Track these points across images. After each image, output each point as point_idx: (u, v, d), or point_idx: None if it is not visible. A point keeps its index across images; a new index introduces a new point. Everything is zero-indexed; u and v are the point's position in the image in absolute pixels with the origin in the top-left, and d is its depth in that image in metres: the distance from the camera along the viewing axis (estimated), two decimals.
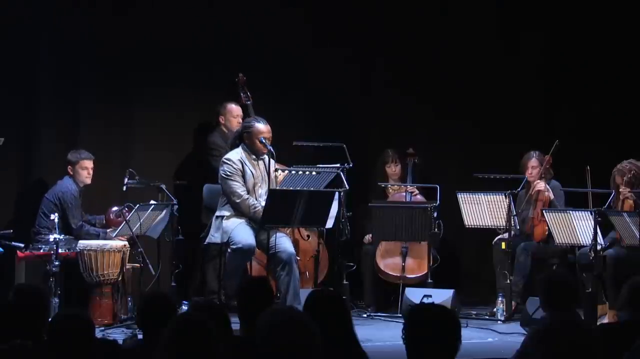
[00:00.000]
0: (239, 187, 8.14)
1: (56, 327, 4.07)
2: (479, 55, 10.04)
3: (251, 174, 8.21)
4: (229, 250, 8.07)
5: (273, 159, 8.27)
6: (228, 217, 8.17)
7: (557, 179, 9.09)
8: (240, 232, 8.07)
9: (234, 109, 9.15)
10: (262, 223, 7.91)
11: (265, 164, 8.24)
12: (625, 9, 9.96)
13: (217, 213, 8.29)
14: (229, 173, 8.16)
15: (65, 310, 5.23)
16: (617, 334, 4.50)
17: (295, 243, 8.72)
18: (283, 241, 8.07)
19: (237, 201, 8.11)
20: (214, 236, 8.23)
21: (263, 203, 8.10)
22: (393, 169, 9.51)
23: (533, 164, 8.98)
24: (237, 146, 8.29)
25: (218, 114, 9.20)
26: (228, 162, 8.19)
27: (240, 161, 8.19)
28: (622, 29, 9.97)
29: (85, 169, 8.52)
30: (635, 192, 8.51)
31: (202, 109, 9.53)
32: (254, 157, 8.24)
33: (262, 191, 8.24)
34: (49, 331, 4.08)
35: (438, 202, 8.82)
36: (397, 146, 9.57)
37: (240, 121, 9.08)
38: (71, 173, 8.52)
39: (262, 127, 8.21)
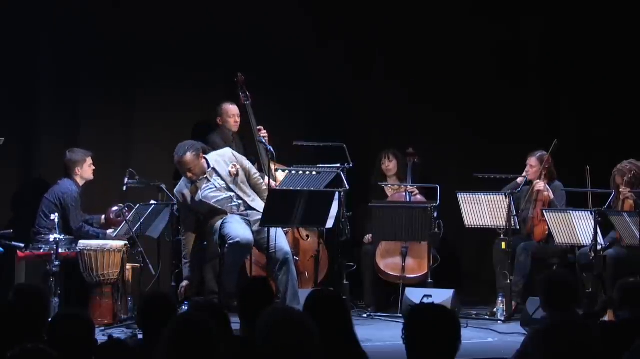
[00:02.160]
0: (180, 222, 8.27)
1: (56, 327, 4.07)
2: (478, 54, 10.04)
3: (191, 198, 8.21)
4: (226, 246, 8.06)
5: (273, 159, 8.30)
6: (213, 221, 8.20)
7: (558, 178, 9.08)
8: (236, 227, 8.08)
9: (230, 109, 9.12)
10: (263, 223, 7.92)
11: (217, 172, 8.22)
12: (625, 8, 9.95)
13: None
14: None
15: (65, 310, 5.23)
16: (616, 334, 4.50)
17: (295, 243, 8.73)
18: (280, 241, 8.07)
19: None
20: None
21: (235, 205, 8.21)
22: (387, 166, 9.50)
23: (532, 163, 8.99)
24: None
25: (217, 115, 9.19)
26: (175, 195, 8.32)
27: (182, 193, 8.25)
28: (622, 27, 9.96)
29: (91, 166, 8.56)
30: (635, 192, 8.51)
31: (202, 109, 9.53)
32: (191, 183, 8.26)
33: (230, 194, 8.24)
34: (49, 331, 4.08)
35: (438, 202, 8.82)
36: (397, 146, 9.57)
37: (238, 120, 9.08)
38: (78, 173, 8.51)
39: (177, 159, 8.16)
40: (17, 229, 8.32)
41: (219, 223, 8.12)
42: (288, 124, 9.60)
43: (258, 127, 8.95)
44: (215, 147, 8.91)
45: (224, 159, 8.32)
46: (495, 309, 8.65)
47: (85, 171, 8.55)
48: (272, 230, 7.91)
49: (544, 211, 8.58)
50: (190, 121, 9.50)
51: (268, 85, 9.53)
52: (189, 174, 8.15)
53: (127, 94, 9.33)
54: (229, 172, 8.24)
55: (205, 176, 8.19)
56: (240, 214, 8.23)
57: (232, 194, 8.23)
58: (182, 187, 8.27)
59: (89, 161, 8.56)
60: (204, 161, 8.21)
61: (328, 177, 8.27)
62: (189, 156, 8.12)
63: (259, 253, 8.36)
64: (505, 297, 8.61)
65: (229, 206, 8.21)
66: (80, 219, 8.47)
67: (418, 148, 9.58)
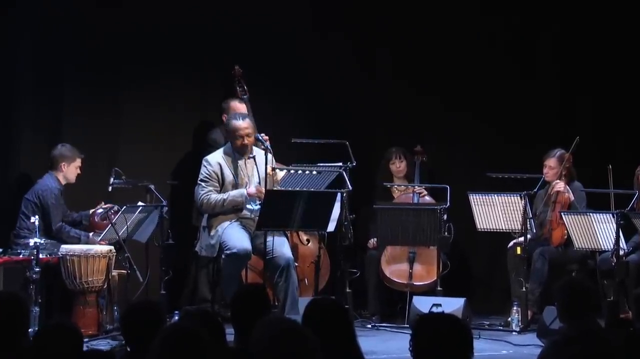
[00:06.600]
0: (202, 189, 8.23)
1: (42, 339, 4.06)
2: (490, 47, 10.04)
3: (231, 174, 8.23)
4: (223, 256, 8.09)
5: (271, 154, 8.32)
6: (216, 221, 8.19)
7: (577, 179, 9.08)
8: (233, 235, 8.09)
9: (238, 106, 9.07)
10: (259, 227, 7.93)
11: (256, 163, 8.26)
12: None
13: (203, 223, 8.34)
14: (202, 176, 8.29)
15: (51, 321, 5.21)
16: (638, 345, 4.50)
17: (294, 248, 8.73)
18: (280, 245, 8.08)
19: (198, 205, 8.30)
20: (202, 250, 8.30)
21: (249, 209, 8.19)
22: (397, 166, 9.50)
23: (551, 164, 8.96)
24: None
25: (222, 112, 9.14)
26: (204, 164, 8.33)
27: (219, 163, 8.25)
28: None
29: (77, 168, 8.58)
30: None
31: (194, 106, 9.54)
32: (237, 156, 8.26)
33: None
34: (35, 344, 4.07)
35: (448, 203, 8.81)
36: (403, 144, 9.58)
37: None
38: (63, 169, 8.51)
39: (239, 123, 8.24)
40: None
41: (222, 227, 8.13)
42: (287, 120, 9.61)
43: (261, 135, 8.86)
44: (216, 145, 8.89)
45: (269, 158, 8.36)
46: (509, 319, 8.65)
47: (71, 170, 8.55)
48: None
49: (562, 214, 8.57)
50: (181, 117, 9.52)
51: (266, 80, 9.54)
52: (248, 140, 8.20)
53: (113, 89, 9.34)
54: (266, 170, 8.24)
55: (252, 155, 8.27)
56: (247, 219, 8.22)
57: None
58: (216, 157, 8.30)
59: (78, 162, 8.56)
60: None
61: (329, 177, 8.26)
62: (249, 122, 8.26)
63: (256, 258, 8.36)
64: (521, 306, 8.61)
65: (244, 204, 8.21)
66: (60, 218, 8.47)
67: (426, 146, 9.57)
